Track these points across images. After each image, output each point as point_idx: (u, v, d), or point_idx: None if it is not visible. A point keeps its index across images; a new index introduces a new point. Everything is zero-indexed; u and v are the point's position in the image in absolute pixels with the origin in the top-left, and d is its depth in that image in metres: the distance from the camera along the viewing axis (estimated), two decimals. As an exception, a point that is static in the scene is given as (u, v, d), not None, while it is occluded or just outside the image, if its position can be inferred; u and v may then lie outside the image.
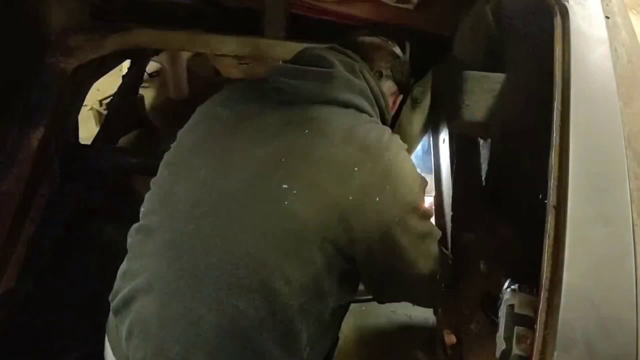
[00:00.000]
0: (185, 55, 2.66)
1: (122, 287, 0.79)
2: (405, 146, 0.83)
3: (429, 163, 1.67)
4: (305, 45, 0.95)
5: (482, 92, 0.90)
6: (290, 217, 0.70)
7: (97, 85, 1.61)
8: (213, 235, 0.72)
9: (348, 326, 1.67)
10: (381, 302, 0.94)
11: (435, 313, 0.99)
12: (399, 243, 0.77)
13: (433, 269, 0.83)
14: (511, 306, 0.76)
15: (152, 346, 0.72)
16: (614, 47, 0.83)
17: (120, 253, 0.86)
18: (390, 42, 0.96)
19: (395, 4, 1.26)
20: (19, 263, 1.19)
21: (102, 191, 1.62)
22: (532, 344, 0.64)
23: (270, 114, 0.80)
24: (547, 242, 0.66)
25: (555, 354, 0.58)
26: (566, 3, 0.83)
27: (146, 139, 2.44)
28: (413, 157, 2.44)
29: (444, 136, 1.29)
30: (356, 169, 0.73)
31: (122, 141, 2.21)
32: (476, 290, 0.93)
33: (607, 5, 0.91)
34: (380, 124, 0.87)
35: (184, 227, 0.74)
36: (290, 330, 0.72)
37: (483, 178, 1.09)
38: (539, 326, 0.62)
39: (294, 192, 0.70)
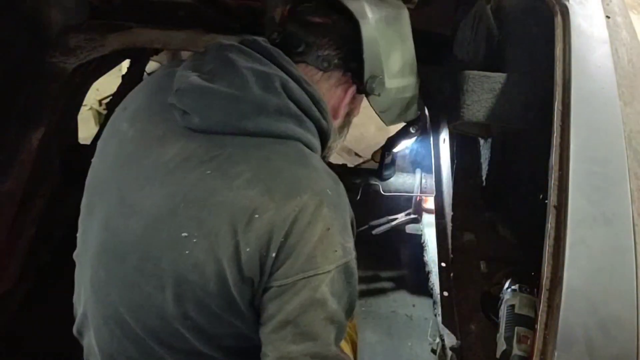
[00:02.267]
0: (185, 54, 2.65)
1: (75, 314, 0.82)
2: (335, 200, 0.67)
3: (429, 163, 1.67)
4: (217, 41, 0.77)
5: (482, 92, 0.90)
6: (192, 268, 0.64)
7: (96, 84, 1.61)
8: (121, 285, 0.70)
9: (348, 324, 1.66)
10: None
11: (435, 314, 0.98)
12: (265, 312, 0.66)
13: None
14: (512, 306, 0.77)
15: None
16: (615, 46, 0.83)
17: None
18: (344, 23, 0.77)
19: (396, 4, 1.26)
20: (20, 263, 1.19)
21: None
22: (532, 344, 0.63)
23: (172, 144, 0.69)
24: (548, 242, 0.66)
25: (555, 354, 0.58)
26: (567, 3, 0.83)
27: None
28: (414, 155, 2.42)
29: (444, 136, 1.29)
30: (256, 216, 0.62)
31: (122, 141, 2.20)
32: (476, 290, 0.93)
33: (607, 4, 0.91)
34: (315, 143, 0.74)
35: (98, 273, 0.72)
36: None
37: (483, 178, 1.09)
38: (539, 326, 0.62)
39: (194, 240, 0.63)
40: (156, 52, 2.32)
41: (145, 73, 2.52)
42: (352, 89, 0.81)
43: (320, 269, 0.63)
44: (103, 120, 1.91)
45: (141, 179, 0.69)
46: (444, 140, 1.28)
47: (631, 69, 0.83)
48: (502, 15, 1.01)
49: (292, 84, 0.71)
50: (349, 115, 0.85)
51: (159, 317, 0.68)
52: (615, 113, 0.74)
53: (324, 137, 0.76)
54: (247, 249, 0.62)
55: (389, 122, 0.92)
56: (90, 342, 0.78)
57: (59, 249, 1.37)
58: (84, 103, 1.62)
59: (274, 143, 0.68)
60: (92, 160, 0.81)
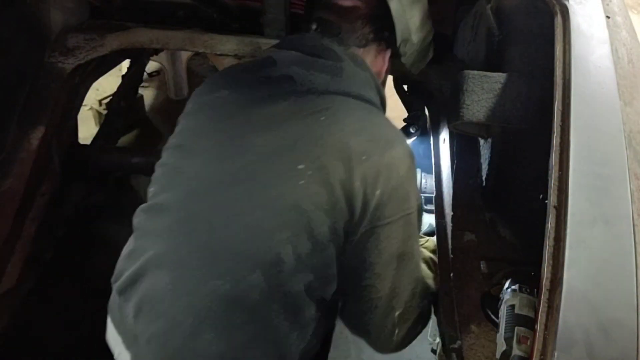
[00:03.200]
0: (184, 54, 2.66)
1: (127, 267, 0.79)
2: (413, 157, 0.82)
3: (429, 163, 1.66)
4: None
5: (482, 92, 0.90)
6: (305, 197, 0.73)
7: (96, 84, 1.61)
8: (229, 211, 0.74)
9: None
10: (340, 317, 0.90)
11: (435, 313, 0.98)
12: (378, 245, 0.77)
13: (394, 301, 0.80)
14: (512, 307, 0.76)
15: (164, 321, 0.73)
16: (615, 46, 0.83)
17: (120, 251, 0.86)
18: (372, 3, 0.90)
19: (396, 4, 1.26)
20: (20, 262, 1.19)
21: (102, 191, 1.62)
22: (532, 344, 0.63)
23: (282, 101, 0.81)
24: (548, 243, 0.66)
25: (555, 354, 0.58)
26: (567, 3, 0.83)
27: (146, 138, 2.44)
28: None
29: (444, 136, 1.29)
30: (364, 157, 0.75)
31: (122, 141, 2.21)
32: (476, 290, 0.93)
33: (607, 4, 0.91)
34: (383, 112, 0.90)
35: (198, 204, 0.76)
36: (297, 306, 0.75)
37: (483, 178, 1.09)
38: (539, 327, 0.62)
39: (309, 172, 0.73)
40: (156, 52, 2.33)
41: (145, 73, 2.53)
42: (388, 54, 0.95)
43: (412, 207, 0.79)
44: (104, 120, 1.91)
45: (255, 123, 0.79)
46: (444, 140, 1.28)
47: (631, 69, 0.83)
48: (502, 15, 1.01)
49: (368, 64, 0.88)
50: (386, 73, 1.00)
51: (264, 240, 0.73)
52: (615, 113, 0.74)
53: (382, 100, 0.92)
54: (357, 183, 0.74)
55: (417, 70, 1.05)
56: (154, 284, 0.75)
57: (59, 248, 1.37)
58: (84, 103, 1.62)
59: (367, 105, 0.84)
60: (177, 129, 0.88)
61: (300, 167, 0.73)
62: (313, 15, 0.92)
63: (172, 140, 0.88)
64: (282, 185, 0.74)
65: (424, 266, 0.99)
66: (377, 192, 0.74)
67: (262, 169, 0.75)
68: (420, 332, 0.89)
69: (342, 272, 0.80)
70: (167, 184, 0.81)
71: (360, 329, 0.85)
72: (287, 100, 0.81)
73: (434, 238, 1.07)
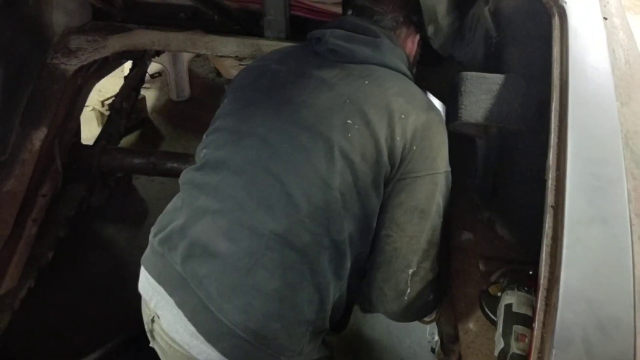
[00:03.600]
0: (186, 56, 2.67)
1: (176, 217, 0.84)
2: (444, 124, 0.90)
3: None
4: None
5: (480, 93, 0.91)
6: (352, 148, 0.80)
7: (99, 86, 1.62)
8: (287, 159, 0.81)
9: (359, 315, 1.66)
10: (364, 310, 0.95)
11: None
12: (401, 195, 0.83)
13: (410, 256, 0.84)
14: (510, 305, 0.77)
15: (219, 261, 0.77)
16: (612, 48, 0.84)
17: (122, 252, 0.86)
18: None
19: (395, 5, 1.27)
20: (21, 263, 1.20)
21: (104, 191, 1.63)
22: (530, 342, 0.64)
23: (330, 69, 0.89)
24: (545, 242, 0.66)
25: (553, 352, 0.59)
26: (564, 4, 0.84)
27: (147, 139, 2.45)
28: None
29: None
30: (403, 116, 0.83)
31: (124, 142, 2.22)
32: (475, 289, 0.94)
33: (605, 6, 0.91)
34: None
35: (257, 154, 0.82)
36: (340, 254, 0.81)
37: (482, 178, 1.10)
38: (537, 325, 0.63)
39: (356, 126, 0.82)
40: (157, 53, 2.34)
41: (147, 75, 2.53)
42: (418, 38, 1.02)
43: (440, 168, 0.85)
44: (106, 121, 1.92)
45: (308, 87, 0.87)
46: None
47: (628, 70, 0.83)
48: (500, 16, 1.02)
49: (401, 43, 0.97)
50: (415, 57, 1.05)
51: (317, 186, 0.79)
52: (612, 114, 0.75)
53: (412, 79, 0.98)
54: (398, 138, 0.82)
55: (445, 53, 1.12)
56: (207, 228, 0.79)
57: (61, 248, 1.38)
58: (87, 104, 1.63)
59: (402, 76, 0.92)
60: (229, 95, 0.96)
61: (349, 121, 0.82)
62: (350, 4, 1.02)
63: (222, 109, 0.94)
64: (334, 137, 0.81)
65: None
66: (415, 147, 0.83)
67: (317, 123, 0.82)
68: (432, 304, 0.90)
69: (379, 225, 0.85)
70: (223, 143, 0.88)
71: (372, 285, 0.86)
72: (334, 68, 0.90)
73: None
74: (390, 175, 0.83)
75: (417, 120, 0.84)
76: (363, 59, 0.91)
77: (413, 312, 0.88)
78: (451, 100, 0.97)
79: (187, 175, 0.90)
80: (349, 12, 1.01)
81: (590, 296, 0.62)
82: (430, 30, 1.02)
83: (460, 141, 1.16)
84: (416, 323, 0.99)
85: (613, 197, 0.68)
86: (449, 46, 1.11)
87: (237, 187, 0.81)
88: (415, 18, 1.00)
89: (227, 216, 0.79)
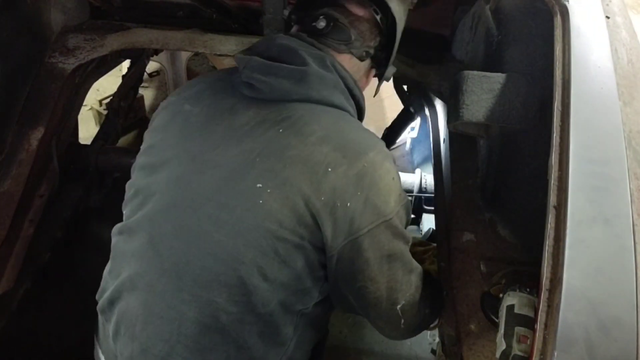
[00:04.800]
0: (184, 55, 2.66)
1: (107, 287, 0.81)
2: (391, 157, 0.79)
3: (429, 163, 1.67)
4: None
5: (482, 92, 0.90)
6: (266, 216, 0.71)
7: (96, 85, 1.61)
8: (191, 234, 0.73)
9: (347, 325, 1.66)
10: (344, 311, 0.92)
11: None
12: (363, 255, 0.74)
13: (394, 296, 0.79)
14: (511, 306, 0.76)
15: (137, 344, 0.74)
16: (614, 47, 0.83)
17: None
18: (377, 15, 0.87)
19: (395, 4, 1.26)
20: (18, 264, 1.19)
21: (102, 191, 1.62)
22: (532, 344, 0.63)
23: (243, 111, 0.78)
24: (548, 242, 0.66)
25: (555, 353, 0.58)
26: (566, 3, 0.83)
27: (146, 139, 2.44)
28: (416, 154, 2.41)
29: (444, 136, 1.29)
30: (329, 169, 0.71)
31: (122, 141, 2.21)
32: (476, 290, 0.93)
33: (607, 5, 0.91)
34: (356, 118, 0.86)
35: (162, 227, 0.75)
36: (271, 324, 0.74)
37: (483, 178, 1.09)
38: (539, 326, 0.62)
39: (268, 190, 0.71)
40: (156, 52, 2.33)
41: (145, 74, 2.52)
42: (372, 72, 0.93)
43: (393, 211, 0.75)
44: (104, 121, 1.91)
45: (215, 140, 0.76)
46: (444, 140, 1.28)
47: (631, 69, 0.83)
48: (501, 15, 1.01)
49: (339, 65, 0.83)
50: (365, 85, 0.95)
51: (226, 263, 0.71)
52: (614, 113, 0.74)
53: (360, 115, 0.88)
54: (323, 198, 0.70)
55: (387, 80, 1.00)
56: (128, 306, 0.76)
57: (58, 249, 1.37)
58: (85, 103, 1.62)
59: (335, 111, 0.80)
60: (143, 146, 0.86)
61: (259, 185, 0.71)
62: (324, 12, 0.86)
63: (139, 159, 0.85)
64: (243, 205, 0.71)
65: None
66: (349, 204, 0.71)
67: (224, 189, 0.72)
68: (430, 316, 0.89)
69: (335, 281, 0.79)
70: (136, 206, 0.80)
71: (369, 321, 0.86)
72: (249, 110, 0.78)
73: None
74: (326, 236, 0.72)
75: (349, 170, 0.72)
76: (282, 94, 0.77)
77: (414, 330, 0.87)
78: (452, 100, 0.97)
79: (114, 238, 0.84)
80: (322, 24, 0.85)
81: (592, 297, 0.61)
82: (389, 73, 0.92)
83: (462, 141, 1.16)
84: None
85: (616, 197, 0.68)
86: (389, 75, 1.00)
87: (145, 263, 0.75)
88: (381, 54, 0.90)
89: (140, 297, 0.74)
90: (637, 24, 0.98)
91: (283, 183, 0.71)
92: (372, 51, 0.88)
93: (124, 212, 0.85)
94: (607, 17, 0.87)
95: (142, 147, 0.87)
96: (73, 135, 1.53)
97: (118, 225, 0.84)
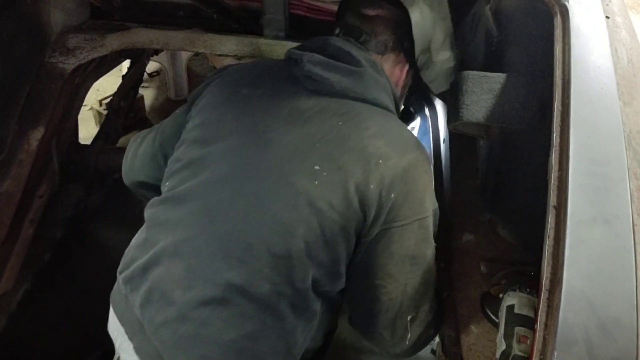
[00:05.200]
0: (185, 55, 2.66)
1: (138, 256, 0.80)
2: (430, 160, 0.86)
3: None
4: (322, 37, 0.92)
5: (482, 92, 0.90)
6: (320, 196, 0.75)
7: (97, 85, 1.61)
8: (249, 203, 0.76)
9: (347, 325, 1.66)
10: (350, 322, 0.91)
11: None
12: (390, 247, 0.78)
13: (407, 304, 0.80)
14: (511, 306, 0.76)
15: (175, 309, 0.74)
16: (614, 47, 0.83)
17: (120, 253, 0.86)
18: (393, 10, 0.93)
19: (395, 4, 1.26)
20: (18, 264, 1.19)
21: (102, 191, 1.62)
22: (532, 344, 0.63)
23: (305, 100, 0.83)
24: (547, 243, 0.66)
25: (555, 354, 0.58)
26: (566, 3, 0.83)
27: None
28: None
29: (444, 136, 1.29)
30: (381, 161, 0.77)
31: (122, 141, 2.20)
32: (476, 290, 0.93)
33: (607, 5, 0.91)
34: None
35: (219, 195, 0.78)
36: (305, 299, 0.77)
37: (483, 178, 1.09)
38: (539, 326, 0.62)
39: (325, 173, 0.76)
40: (156, 52, 2.33)
41: (145, 74, 2.53)
42: (407, 66, 0.96)
43: (428, 211, 0.80)
44: (104, 121, 1.91)
45: (279, 120, 0.81)
46: (444, 140, 1.28)
47: (631, 69, 0.83)
48: (501, 15, 1.01)
49: (385, 72, 0.90)
50: (404, 88, 1.00)
51: (279, 234, 0.75)
52: (614, 113, 0.74)
53: (397, 109, 0.93)
54: (372, 186, 0.76)
55: (436, 90, 1.05)
56: (168, 272, 0.76)
57: (57, 249, 1.37)
58: (85, 103, 1.62)
59: (383, 111, 0.86)
60: (197, 120, 0.88)
61: (317, 167, 0.76)
62: (340, 22, 0.96)
63: (190, 134, 0.87)
64: (300, 183, 0.76)
65: None
66: (393, 195, 0.76)
67: (283, 166, 0.77)
68: (433, 336, 0.88)
69: (355, 271, 0.81)
70: (187, 176, 0.82)
71: (371, 331, 0.84)
72: (309, 99, 0.83)
73: None
74: (367, 223, 0.77)
75: (397, 164, 0.77)
76: (341, 91, 0.84)
77: (414, 350, 0.86)
78: (452, 100, 0.97)
79: (151, 209, 0.85)
80: (337, 32, 0.94)
81: (592, 297, 0.61)
82: (421, 60, 0.95)
83: (462, 141, 1.16)
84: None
85: (616, 197, 0.68)
86: (441, 84, 1.03)
87: (195, 229, 0.76)
88: (406, 45, 0.93)
89: (184, 262, 0.75)
90: (637, 24, 0.98)
91: (339, 168, 0.76)
92: (390, 44, 0.92)
93: (166, 184, 0.85)
94: (607, 17, 0.87)
95: (190, 123, 0.89)
96: (73, 135, 1.53)
97: (158, 198, 0.85)
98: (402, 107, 1.03)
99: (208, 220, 0.76)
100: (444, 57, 0.99)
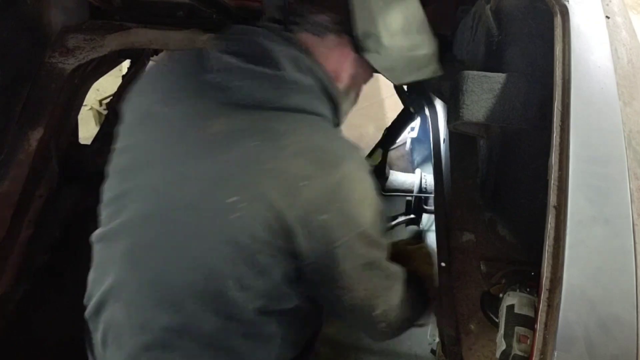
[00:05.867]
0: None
1: (93, 293, 0.81)
2: (366, 165, 0.76)
3: (429, 163, 1.66)
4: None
5: (482, 92, 0.90)
6: (241, 230, 0.69)
7: (96, 85, 1.60)
8: (168, 247, 0.73)
9: (347, 325, 1.66)
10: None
11: (435, 313, 0.98)
12: (338, 266, 0.74)
13: (371, 303, 0.79)
14: (511, 306, 0.76)
15: (125, 353, 0.74)
16: (615, 47, 0.83)
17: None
18: None
19: (395, 4, 1.26)
20: (17, 265, 1.19)
21: (99, 192, 1.62)
22: (532, 343, 0.63)
23: (217, 118, 0.74)
24: (548, 242, 0.66)
25: (555, 353, 0.58)
26: (566, 3, 0.83)
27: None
28: (417, 156, 2.41)
29: (444, 136, 1.29)
30: (305, 183, 0.69)
31: (122, 141, 2.20)
32: (476, 290, 0.93)
33: (607, 5, 0.91)
34: (333, 124, 0.81)
35: (140, 238, 0.75)
36: (254, 326, 0.75)
37: (483, 178, 1.09)
38: (539, 326, 0.62)
39: (244, 204, 0.69)
40: (155, 52, 2.32)
41: (144, 73, 2.52)
42: (351, 54, 0.84)
43: (366, 222, 0.74)
44: (104, 121, 1.91)
45: (190, 150, 0.74)
46: (444, 140, 1.28)
47: (631, 69, 0.83)
48: (501, 15, 1.01)
49: (313, 64, 0.77)
50: (354, 78, 0.87)
51: (205, 276, 0.71)
52: (615, 113, 0.74)
53: (338, 114, 0.83)
54: (296, 212, 0.69)
55: (397, 81, 0.93)
56: (113, 316, 0.76)
57: (56, 250, 1.37)
58: (85, 103, 1.62)
59: (311, 119, 0.76)
60: (118, 145, 0.83)
61: (234, 199, 0.69)
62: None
63: (115, 160, 0.83)
64: (219, 218, 0.70)
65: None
66: (323, 217, 0.70)
67: (200, 204, 0.71)
68: (415, 317, 0.88)
69: (310, 285, 0.78)
70: (114, 212, 0.79)
71: (355, 327, 0.87)
72: (221, 116, 0.74)
73: (429, 241, 1.07)
74: (301, 247, 0.71)
75: (323, 183, 0.70)
76: (255, 102, 0.73)
77: (396, 332, 0.86)
78: (452, 100, 0.97)
79: (95, 244, 0.82)
80: (276, 16, 0.83)
81: (592, 297, 0.61)
82: (363, 42, 0.81)
83: (461, 141, 1.16)
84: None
85: (616, 197, 0.68)
86: (405, 74, 0.89)
87: (126, 274, 0.75)
88: (349, 27, 0.82)
89: (124, 307, 0.74)
90: (637, 24, 0.98)
91: (257, 198, 0.69)
92: (329, 25, 0.81)
93: (101, 215, 0.82)
94: (607, 17, 0.87)
95: (117, 145, 0.84)
96: (73, 135, 1.53)
97: (97, 231, 0.82)
98: (355, 100, 0.91)
99: (136, 264, 0.74)
100: (403, 43, 0.85)
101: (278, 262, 0.72)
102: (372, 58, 0.84)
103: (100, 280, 0.79)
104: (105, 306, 0.78)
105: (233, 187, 0.70)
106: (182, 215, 0.72)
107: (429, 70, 0.96)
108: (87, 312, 0.82)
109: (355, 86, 0.90)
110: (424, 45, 0.91)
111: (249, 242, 0.69)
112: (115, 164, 0.83)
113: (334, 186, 0.70)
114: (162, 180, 0.74)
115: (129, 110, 0.85)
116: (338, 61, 0.83)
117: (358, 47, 0.83)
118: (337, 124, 0.85)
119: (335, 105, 0.81)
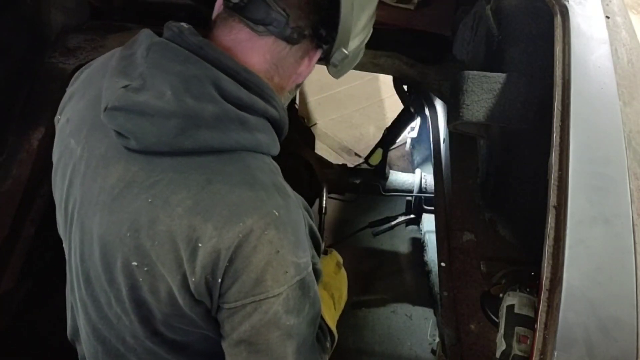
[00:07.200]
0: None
1: (69, 321, 0.86)
2: (281, 221, 0.63)
3: (429, 163, 1.66)
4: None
5: (481, 92, 0.90)
6: (149, 294, 0.66)
7: (97, 85, 1.61)
8: (87, 311, 0.75)
9: (348, 326, 1.67)
10: None
11: (435, 313, 0.98)
12: (221, 327, 0.67)
13: None
14: (511, 306, 0.76)
15: None
16: (614, 47, 0.83)
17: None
18: None
19: (396, 5, 1.26)
20: (19, 263, 1.19)
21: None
22: (532, 344, 0.63)
23: (115, 164, 0.65)
24: (547, 242, 0.66)
25: (555, 353, 0.58)
26: (566, 3, 0.83)
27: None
28: (417, 156, 2.39)
29: (444, 136, 1.29)
30: (199, 244, 0.60)
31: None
32: (476, 290, 0.93)
33: (607, 5, 0.91)
34: (268, 137, 0.68)
35: (78, 292, 0.76)
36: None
37: (483, 178, 1.09)
38: (539, 326, 0.62)
39: (145, 269, 0.64)
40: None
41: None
42: (317, 55, 0.72)
43: (270, 292, 0.62)
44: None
45: (93, 204, 0.67)
46: (444, 140, 1.28)
47: (631, 69, 0.83)
48: (501, 15, 1.01)
49: (227, 82, 0.62)
50: (300, 78, 0.75)
51: (131, 335, 0.72)
52: (614, 113, 0.74)
53: (274, 121, 0.69)
54: (193, 278, 0.62)
55: (339, 76, 0.80)
56: (82, 351, 0.82)
57: (58, 249, 1.37)
58: (84, 103, 1.62)
59: (215, 161, 0.63)
60: (52, 176, 0.78)
61: (134, 263, 0.64)
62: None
63: (54, 194, 0.79)
64: (126, 282, 0.66)
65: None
66: (220, 280, 0.62)
67: (106, 267, 0.67)
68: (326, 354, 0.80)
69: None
70: (64, 237, 0.78)
71: None
72: (120, 162, 0.64)
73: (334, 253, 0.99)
74: (209, 309, 0.66)
75: (219, 243, 0.59)
76: (147, 148, 0.61)
77: None
78: (452, 100, 0.97)
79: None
80: (236, 0, 0.66)
81: (592, 297, 0.61)
82: (336, 56, 0.71)
83: (462, 141, 1.16)
84: (417, 324, 0.99)
85: (615, 197, 0.68)
86: (345, 70, 0.80)
87: (79, 319, 0.79)
88: (322, 32, 0.69)
89: (85, 348, 0.80)
90: (637, 24, 0.98)
91: (154, 263, 0.63)
92: (306, 31, 0.67)
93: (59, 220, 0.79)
94: (607, 17, 0.87)
95: (54, 162, 0.77)
96: (73, 135, 1.53)
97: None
98: (295, 98, 0.83)
99: (83, 313, 0.76)
100: (358, 43, 0.76)
101: (189, 323, 0.69)
102: (332, 69, 0.76)
103: (70, 314, 0.85)
104: (78, 340, 0.83)
105: (132, 250, 0.64)
106: (97, 277, 0.70)
107: (357, 61, 0.83)
108: (69, 335, 0.87)
109: (297, 86, 0.78)
110: (367, 38, 0.80)
111: (154, 303, 0.67)
112: (55, 198, 0.78)
113: (231, 246, 0.60)
114: (80, 236, 0.71)
115: (57, 132, 0.77)
116: (302, 68, 0.73)
117: (327, 57, 0.73)
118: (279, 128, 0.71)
119: (274, 122, 0.69)
